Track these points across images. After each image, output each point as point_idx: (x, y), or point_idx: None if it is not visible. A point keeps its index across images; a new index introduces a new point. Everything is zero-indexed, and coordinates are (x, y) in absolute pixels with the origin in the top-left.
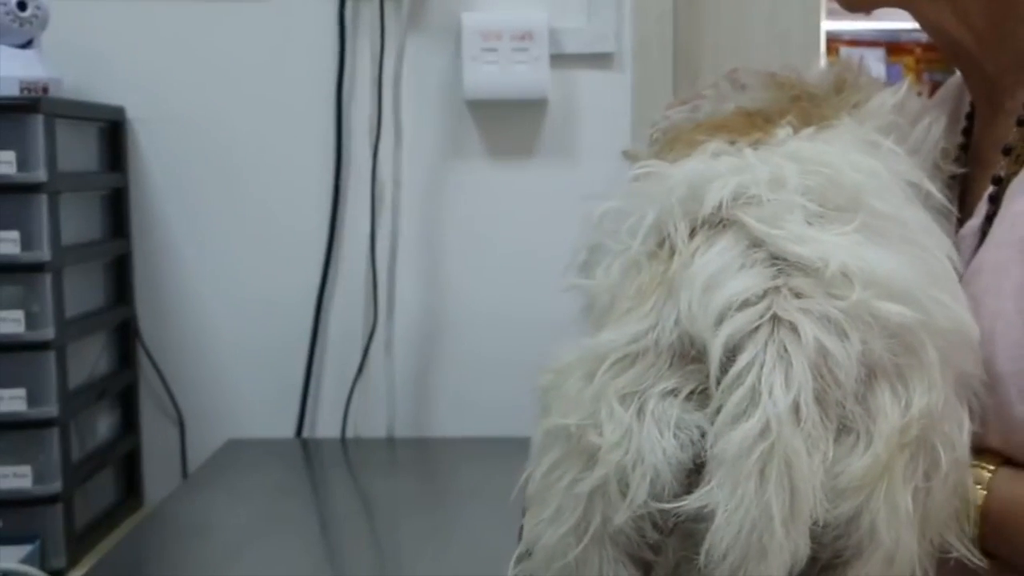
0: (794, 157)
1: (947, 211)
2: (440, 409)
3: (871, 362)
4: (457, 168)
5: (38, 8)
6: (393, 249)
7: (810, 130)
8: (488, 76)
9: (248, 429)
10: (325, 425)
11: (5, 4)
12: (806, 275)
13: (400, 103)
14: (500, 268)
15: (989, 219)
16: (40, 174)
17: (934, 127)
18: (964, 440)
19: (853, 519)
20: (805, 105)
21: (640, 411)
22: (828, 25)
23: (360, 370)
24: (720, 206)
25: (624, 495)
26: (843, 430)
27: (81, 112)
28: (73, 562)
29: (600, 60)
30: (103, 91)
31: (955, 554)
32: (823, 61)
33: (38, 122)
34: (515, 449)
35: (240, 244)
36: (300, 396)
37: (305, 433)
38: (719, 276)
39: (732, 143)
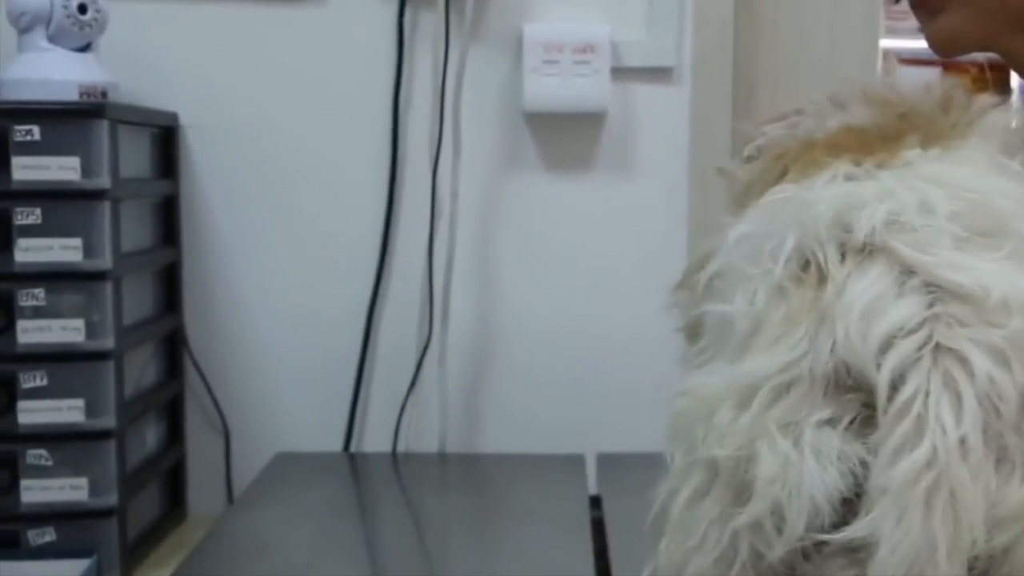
0: (938, 182)
1: None
2: (494, 425)
3: None
4: (515, 180)
5: (98, 11)
6: (449, 261)
7: (937, 151)
8: (549, 88)
9: (295, 442)
10: (374, 439)
11: (66, 7)
12: (963, 303)
13: (460, 114)
14: (557, 282)
15: None
16: (104, 180)
17: None
18: None
19: (1008, 550)
20: (919, 123)
21: (797, 442)
22: (886, 43)
23: (413, 384)
24: (872, 232)
25: (779, 529)
26: (1000, 460)
27: (137, 117)
28: None
29: (660, 74)
30: (156, 96)
31: None
32: (887, 77)
33: (103, 128)
34: (570, 467)
35: (291, 254)
36: (349, 409)
37: (353, 447)
38: (877, 303)
39: (858, 164)
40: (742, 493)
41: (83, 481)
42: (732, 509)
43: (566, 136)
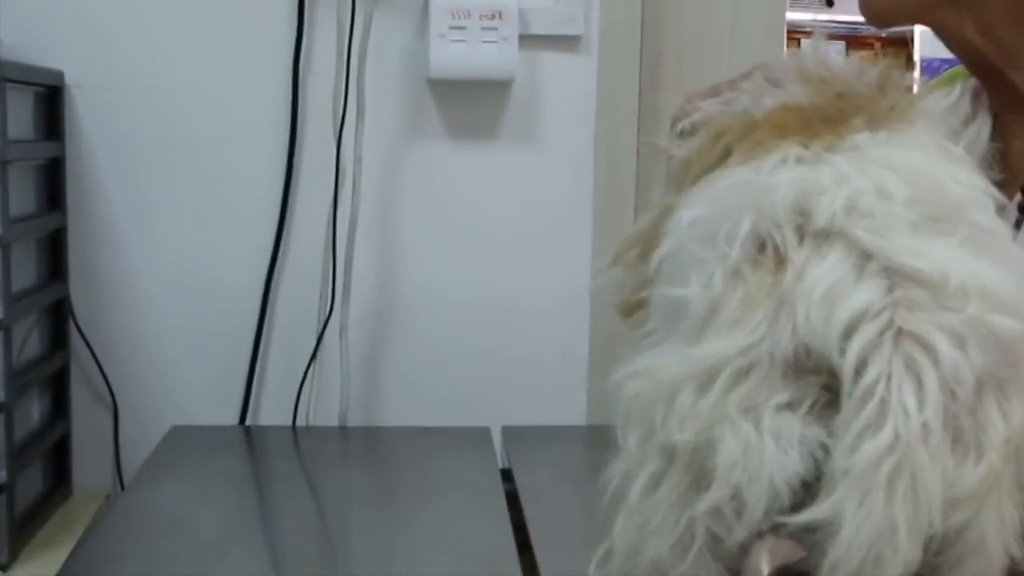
0: (891, 167)
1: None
2: (396, 397)
3: (980, 375)
4: (419, 148)
5: None
6: (352, 230)
7: (884, 135)
8: (456, 55)
9: (187, 416)
10: (272, 412)
11: None
12: (922, 288)
13: (364, 80)
14: (461, 251)
15: (1017, 226)
16: None
17: (983, 130)
18: None
19: (963, 530)
20: (859, 104)
21: (757, 426)
22: (790, 15)
23: (314, 355)
24: (832, 218)
25: (739, 514)
26: (956, 442)
27: (20, 76)
28: (13, 556)
29: (567, 42)
30: (39, 54)
31: None
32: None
33: None
34: (477, 440)
35: (184, 220)
36: (245, 382)
37: (249, 421)
38: (837, 288)
39: (806, 147)
40: (701, 479)
41: None
42: (691, 494)
43: (472, 104)
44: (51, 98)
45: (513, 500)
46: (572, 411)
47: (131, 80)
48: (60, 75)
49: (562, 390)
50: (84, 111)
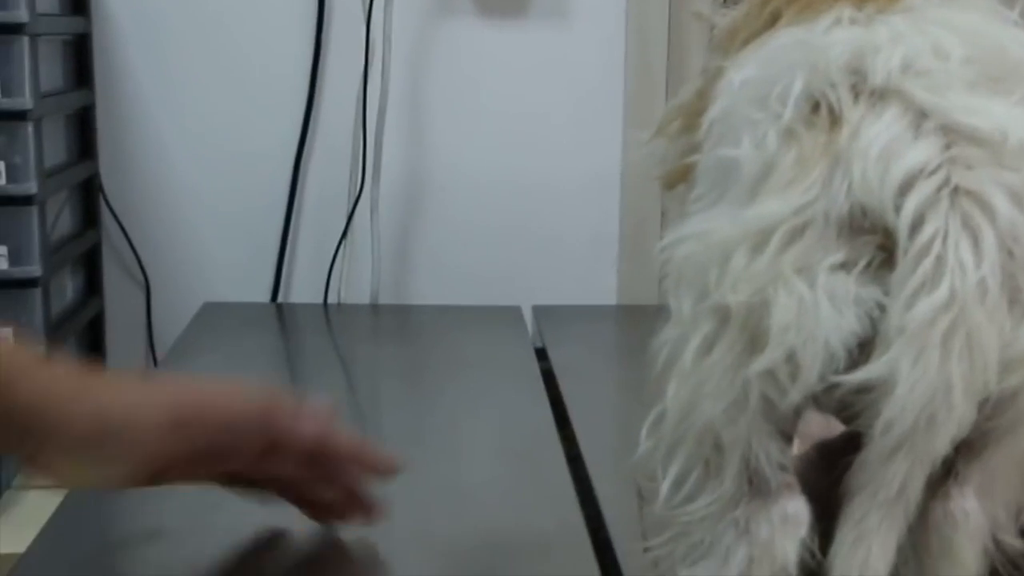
0: (949, 26)
1: None
2: (427, 276)
3: None
4: (448, 25)
5: None
6: (382, 108)
7: None
8: None
9: (218, 293)
10: (302, 291)
11: None
12: (979, 146)
13: None
14: (491, 131)
15: None
16: (21, 14)
17: None
18: None
19: (1017, 394)
20: None
21: (811, 286)
22: None
23: (344, 234)
24: (888, 77)
25: (794, 377)
26: (1012, 303)
27: None
28: None
29: None
30: None
31: None
32: None
33: None
34: (509, 318)
35: (213, 98)
36: (276, 259)
37: (280, 298)
38: (894, 146)
39: (859, 8)
40: (756, 340)
41: (7, 332)
42: (745, 356)
43: None
44: None
45: (548, 378)
46: (602, 291)
47: None
48: None
49: (592, 270)
50: None
